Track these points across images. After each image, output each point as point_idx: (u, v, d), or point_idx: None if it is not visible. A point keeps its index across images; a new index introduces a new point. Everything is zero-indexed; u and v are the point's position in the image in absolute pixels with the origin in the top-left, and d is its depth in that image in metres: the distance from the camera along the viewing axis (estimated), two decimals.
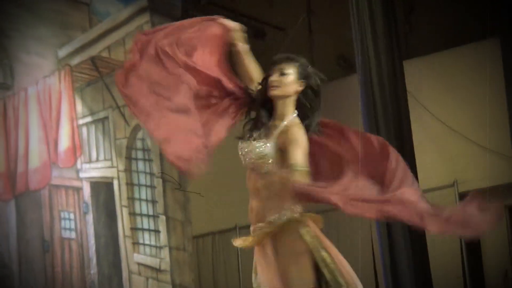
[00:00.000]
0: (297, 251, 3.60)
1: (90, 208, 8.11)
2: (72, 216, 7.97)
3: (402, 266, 7.63)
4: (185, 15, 8.68)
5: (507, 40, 8.17)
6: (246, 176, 3.77)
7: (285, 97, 3.69)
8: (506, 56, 8.18)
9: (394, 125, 7.94)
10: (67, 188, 8.00)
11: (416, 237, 7.59)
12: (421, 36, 9.50)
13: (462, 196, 8.87)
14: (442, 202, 8.59)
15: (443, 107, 9.29)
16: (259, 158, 3.67)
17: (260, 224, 3.67)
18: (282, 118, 3.70)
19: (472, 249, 9.01)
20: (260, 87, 3.78)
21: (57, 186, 7.89)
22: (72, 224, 7.96)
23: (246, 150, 3.69)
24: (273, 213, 3.65)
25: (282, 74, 3.67)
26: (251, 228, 3.75)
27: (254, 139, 3.68)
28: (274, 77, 3.67)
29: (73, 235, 7.95)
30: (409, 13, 9.61)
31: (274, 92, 3.68)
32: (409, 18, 9.72)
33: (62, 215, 7.87)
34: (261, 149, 3.66)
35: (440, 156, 9.28)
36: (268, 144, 3.64)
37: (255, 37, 9.88)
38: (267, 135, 3.69)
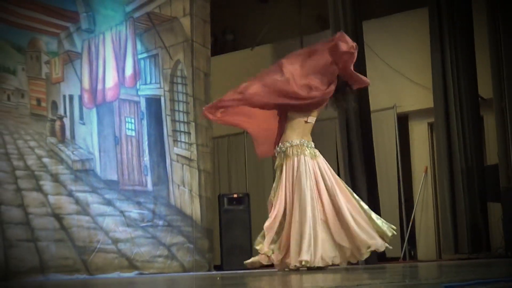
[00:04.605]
0: None
1: (145, 115, 8.81)
2: (133, 120, 8.69)
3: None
4: None
5: (432, 9, 9.25)
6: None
7: None
8: (431, 21, 9.28)
9: (354, 67, 8.20)
10: (130, 101, 8.68)
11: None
12: (376, 3, 10.36)
13: (399, 115, 9.91)
14: (386, 120, 9.85)
15: (389, 54, 10.28)
16: None
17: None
18: None
19: (403, 150, 10.09)
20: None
21: (124, 100, 8.63)
22: (133, 126, 8.70)
23: None
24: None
25: None
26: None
27: None
28: None
29: (133, 133, 8.68)
30: None
31: None
32: None
33: (127, 119, 8.60)
34: None
35: (385, 88, 10.09)
36: None
37: (260, 1, 10.58)
38: None
